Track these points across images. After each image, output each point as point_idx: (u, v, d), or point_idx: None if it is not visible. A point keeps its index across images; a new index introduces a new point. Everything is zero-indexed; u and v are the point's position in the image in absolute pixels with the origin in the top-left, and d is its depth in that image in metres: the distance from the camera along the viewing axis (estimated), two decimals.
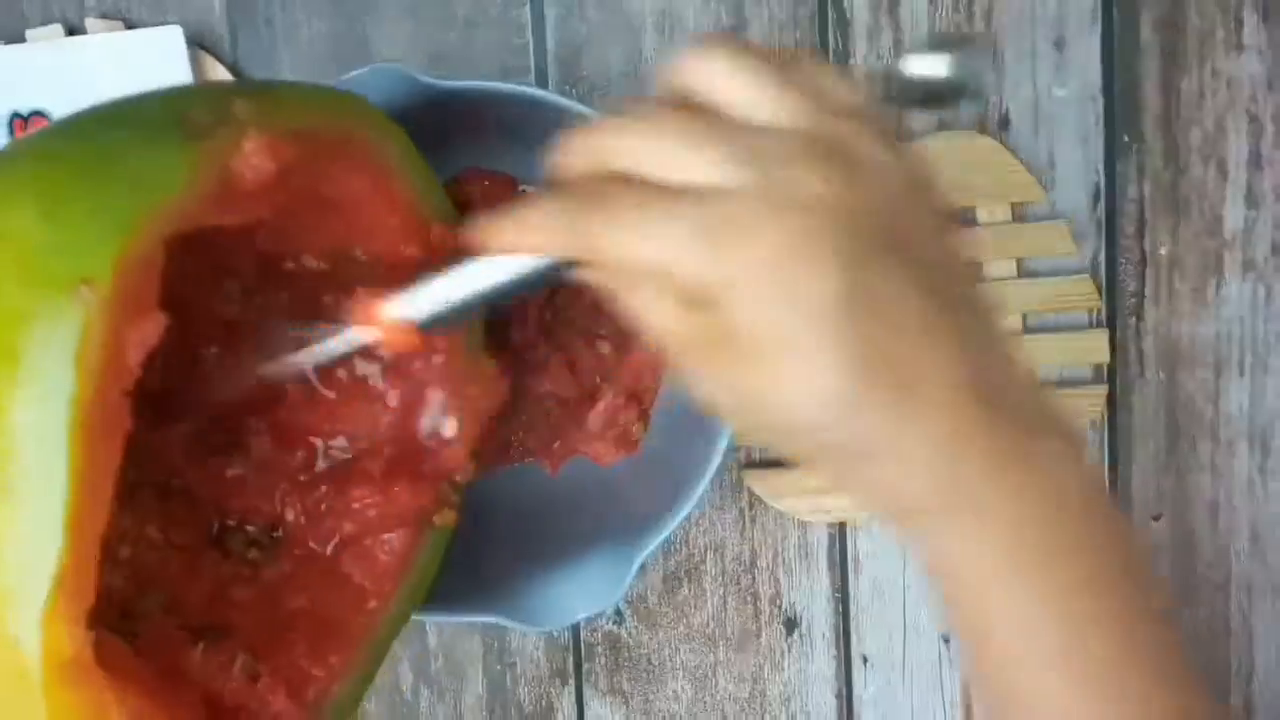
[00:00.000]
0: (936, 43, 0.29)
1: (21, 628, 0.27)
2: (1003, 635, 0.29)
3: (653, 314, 0.28)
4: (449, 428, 0.38)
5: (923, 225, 0.27)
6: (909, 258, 0.26)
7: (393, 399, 0.39)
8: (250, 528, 0.38)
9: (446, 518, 0.39)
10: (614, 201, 0.27)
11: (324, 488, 0.38)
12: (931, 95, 0.29)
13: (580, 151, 0.28)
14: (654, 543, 0.42)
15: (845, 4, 0.50)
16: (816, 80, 0.28)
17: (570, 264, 0.29)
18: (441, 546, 0.40)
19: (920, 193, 0.28)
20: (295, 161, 0.31)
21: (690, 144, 0.26)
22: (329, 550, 0.38)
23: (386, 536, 0.38)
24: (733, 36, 0.28)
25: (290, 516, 0.38)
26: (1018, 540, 0.28)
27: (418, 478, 0.38)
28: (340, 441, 0.39)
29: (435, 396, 0.38)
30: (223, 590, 0.37)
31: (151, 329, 0.29)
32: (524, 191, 0.47)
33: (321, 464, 0.39)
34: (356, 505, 0.38)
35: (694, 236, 0.26)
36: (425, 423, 0.38)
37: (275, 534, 0.38)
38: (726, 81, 0.27)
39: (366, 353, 0.38)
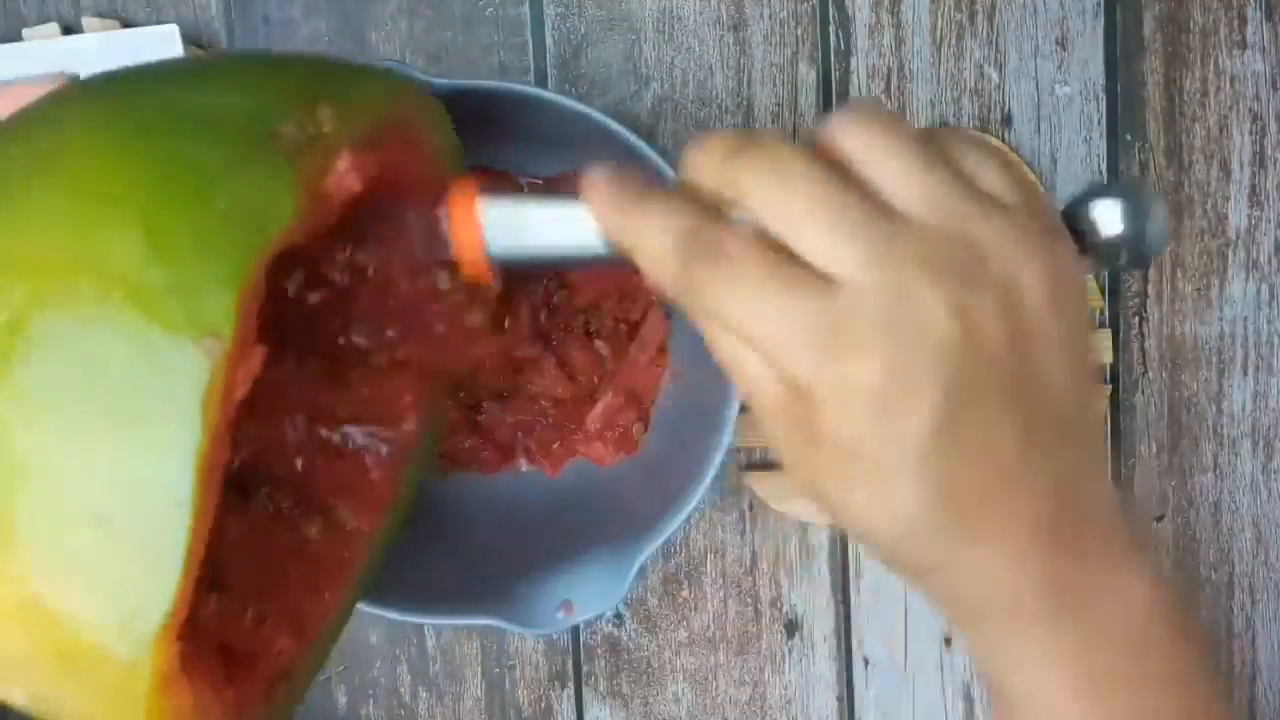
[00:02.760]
0: (1105, 190, 0.27)
1: (134, 653, 0.27)
2: None
3: (747, 379, 0.27)
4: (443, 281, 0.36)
5: (1049, 357, 0.26)
6: (1021, 397, 0.26)
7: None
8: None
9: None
10: (731, 265, 0.26)
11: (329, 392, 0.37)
12: (1103, 249, 0.27)
13: (714, 167, 0.27)
14: (654, 544, 0.42)
15: (847, 1, 0.50)
16: (973, 168, 0.26)
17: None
18: (422, 463, 0.39)
19: (1056, 316, 0.26)
20: (377, 167, 0.31)
21: (822, 218, 0.25)
22: (324, 463, 0.37)
23: (382, 443, 0.37)
24: (890, 114, 0.27)
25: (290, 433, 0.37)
26: (1072, 670, 0.28)
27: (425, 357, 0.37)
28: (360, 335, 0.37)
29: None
30: (219, 531, 0.36)
31: (256, 360, 0.28)
32: (525, 187, 0.47)
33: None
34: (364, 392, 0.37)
35: (805, 335, 0.25)
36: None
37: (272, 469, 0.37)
38: (876, 156, 0.26)
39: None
